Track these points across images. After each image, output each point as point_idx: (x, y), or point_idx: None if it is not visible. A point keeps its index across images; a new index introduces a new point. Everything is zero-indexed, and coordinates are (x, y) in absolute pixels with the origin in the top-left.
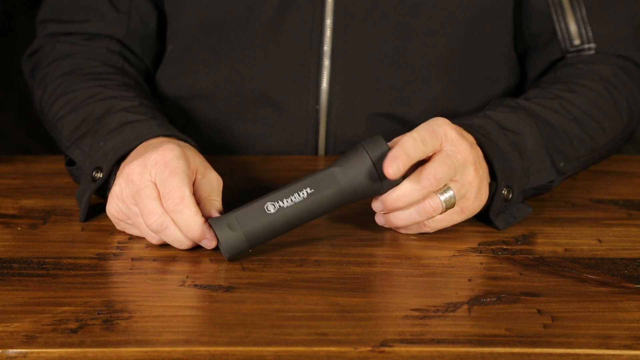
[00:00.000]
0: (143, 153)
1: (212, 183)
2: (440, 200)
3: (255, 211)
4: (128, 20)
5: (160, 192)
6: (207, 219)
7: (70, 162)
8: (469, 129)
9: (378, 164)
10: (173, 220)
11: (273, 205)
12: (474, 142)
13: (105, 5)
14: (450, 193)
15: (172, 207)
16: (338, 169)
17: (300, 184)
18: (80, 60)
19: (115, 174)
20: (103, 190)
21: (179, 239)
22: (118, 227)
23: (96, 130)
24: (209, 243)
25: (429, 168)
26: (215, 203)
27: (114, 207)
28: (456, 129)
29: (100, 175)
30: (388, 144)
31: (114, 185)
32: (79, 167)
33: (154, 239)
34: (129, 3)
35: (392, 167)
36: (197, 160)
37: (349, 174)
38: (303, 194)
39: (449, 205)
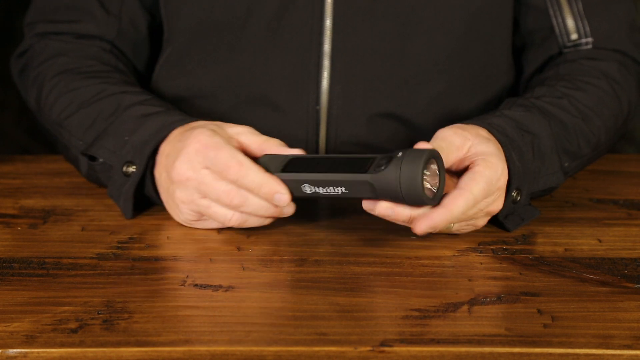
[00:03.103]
0: (172, 151)
1: (252, 132)
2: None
3: (293, 183)
4: (119, 23)
5: (218, 172)
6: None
7: (91, 158)
8: (489, 128)
9: (405, 188)
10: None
11: (310, 188)
12: (505, 165)
13: (96, 7)
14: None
15: (236, 175)
16: (372, 175)
17: (337, 178)
18: (74, 59)
19: (150, 166)
20: (109, 182)
21: (262, 205)
22: (198, 226)
23: (116, 126)
24: (283, 197)
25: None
26: (270, 142)
27: (185, 213)
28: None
29: (133, 169)
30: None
31: (172, 193)
32: (104, 162)
33: (233, 221)
34: (120, 5)
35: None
36: (226, 128)
37: (381, 184)
38: (338, 190)
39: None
